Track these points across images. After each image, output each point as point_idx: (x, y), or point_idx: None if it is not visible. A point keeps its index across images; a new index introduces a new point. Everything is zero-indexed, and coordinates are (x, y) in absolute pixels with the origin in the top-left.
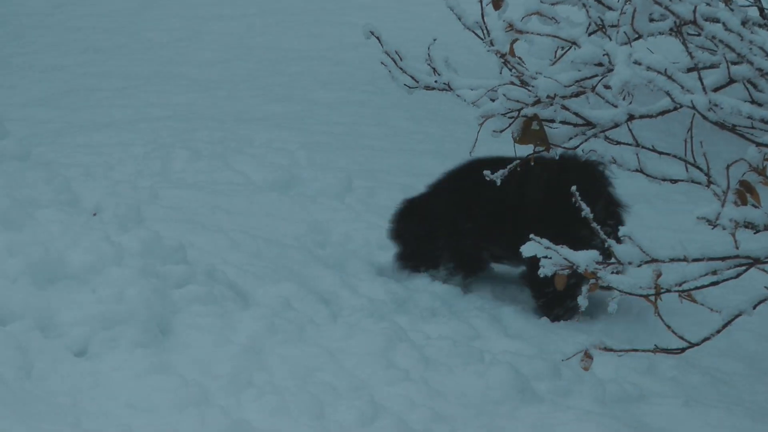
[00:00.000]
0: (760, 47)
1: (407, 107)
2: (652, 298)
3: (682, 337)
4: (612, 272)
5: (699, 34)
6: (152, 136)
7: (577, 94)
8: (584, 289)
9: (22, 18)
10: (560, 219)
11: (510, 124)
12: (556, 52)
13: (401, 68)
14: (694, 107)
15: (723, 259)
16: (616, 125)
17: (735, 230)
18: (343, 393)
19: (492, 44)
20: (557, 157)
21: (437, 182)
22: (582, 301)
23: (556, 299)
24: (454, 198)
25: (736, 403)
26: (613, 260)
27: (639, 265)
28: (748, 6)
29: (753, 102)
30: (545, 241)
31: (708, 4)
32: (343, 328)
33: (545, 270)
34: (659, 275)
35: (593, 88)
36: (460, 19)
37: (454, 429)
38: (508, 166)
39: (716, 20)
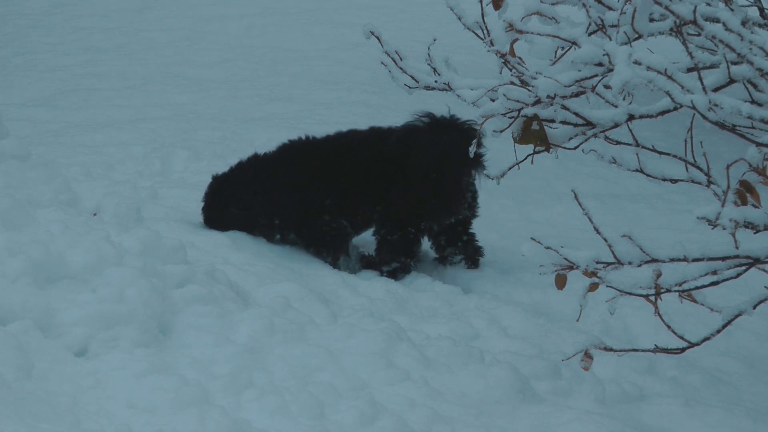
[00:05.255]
0: (760, 47)
1: (407, 107)
2: (652, 298)
3: (682, 337)
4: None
5: (699, 34)
6: (152, 136)
7: (577, 94)
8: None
9: (22, 18)
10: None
11: (510, 124)
12: (556, 52)
13: (401, 68)
14: (694, 107)
15: (723, 259)
16: (616, 125)
17: (735, 230)
18: (343, 393)
19: (492, 44)
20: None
21: (262, 164)
22: (582, 302)
23: (391, 249)
24: (305, 176)
25: (736, 403)
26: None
27: (639, 265)
28: (748, 6)
29: (753, 102)
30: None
31: (708, 4)
32: (343, 328)
33: (545, 269)
34: (659, 275)
35: (593, 88)
36: (460, 19)
37: (454, 429)
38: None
39: (716, 20)
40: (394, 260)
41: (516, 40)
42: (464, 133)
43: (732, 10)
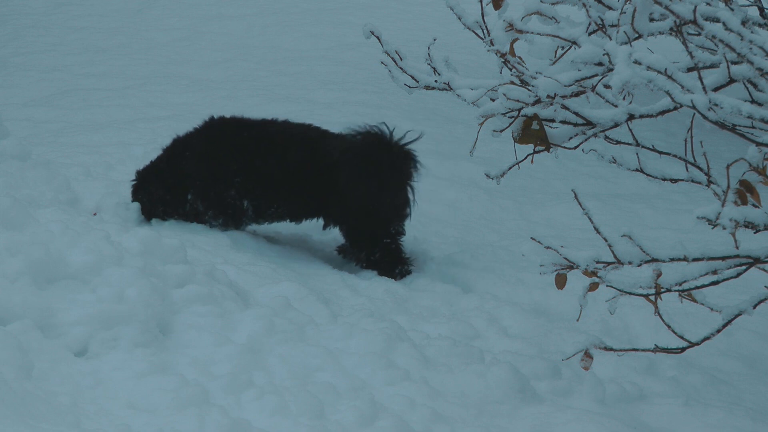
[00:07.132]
0: (760, 47)
1: (407, 107)
2: (652, 297)
3: (682, 337)
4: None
5: (699, 34)
6: (152, 136)
7: (577, 94)
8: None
9: (22, 18)
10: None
11: (510, 124)
12: (556, 51)
13: (401, 68)
14: (694, 107)
15: (723, 258)
16: (616, 125)
17: (735, 230)
18: (343, 393)
19: (492, 44)
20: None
21: (184, 143)
22: (582, 301)
23: (384, 263)
24: (219, 158)
25: (736, 403)
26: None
27: (639, 265)
28: (748, 6)
29: (753, 102)
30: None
31: (708, 4)
32: (343, 328)
33: (545, 269)
34: (659, 275)
35: (593, 88)
36: (460, 19)
37: (454, 429)
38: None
39: (716, 20)
40: (394, 273)
41: (516, 39)
42: (400, 154)
43: (732, 9)
